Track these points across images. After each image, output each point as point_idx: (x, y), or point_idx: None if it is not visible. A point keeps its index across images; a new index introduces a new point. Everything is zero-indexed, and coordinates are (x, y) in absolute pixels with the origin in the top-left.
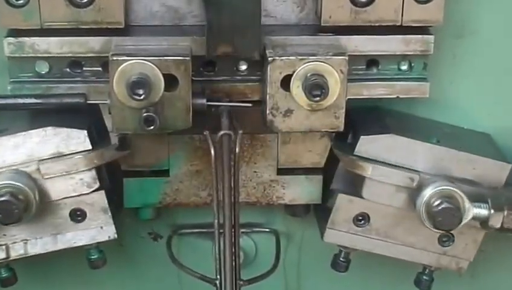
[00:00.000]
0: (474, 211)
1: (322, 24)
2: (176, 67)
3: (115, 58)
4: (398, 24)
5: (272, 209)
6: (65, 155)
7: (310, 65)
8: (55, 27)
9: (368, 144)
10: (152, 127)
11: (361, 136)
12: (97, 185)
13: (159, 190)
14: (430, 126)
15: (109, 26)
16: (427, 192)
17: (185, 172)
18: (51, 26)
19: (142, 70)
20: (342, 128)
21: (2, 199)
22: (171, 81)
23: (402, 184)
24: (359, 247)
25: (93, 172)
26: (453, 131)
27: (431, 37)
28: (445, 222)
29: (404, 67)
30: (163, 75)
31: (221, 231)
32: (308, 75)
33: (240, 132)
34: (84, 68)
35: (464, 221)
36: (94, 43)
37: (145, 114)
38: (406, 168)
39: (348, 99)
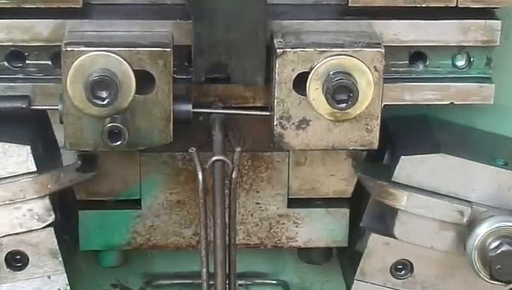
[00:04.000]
0: None
1: (350, 4)
2: (151, 61)
3: (69, 48)
4: (453, 5)
5: (280, 254)
6: (4, 178)
7: (333, 60)
8: None
9: (410, 167)
10: (119, 143)
11: (402, 157)
12: (52, 219)
13: (128, 227)
14: (495, 143)
15: (62, 6)
16: (481, 230)
17: (163, 203)
18: None
19: (106, 65)
20: (376, 146)
21: None
22: (145, 81)
23: (447, 219)
24: None
25: (47, 201)
26: None
27: (497, 23)
28: (505, 270)
29: (460, 62)
30: (135, 72)
31: (211, 282)
32: (331, 73)
33: (238, 149)
34: (28, 61)
35: None
36: (41, 28)
37: (109, 125)
38: (457, 199)
39: (385, 106)
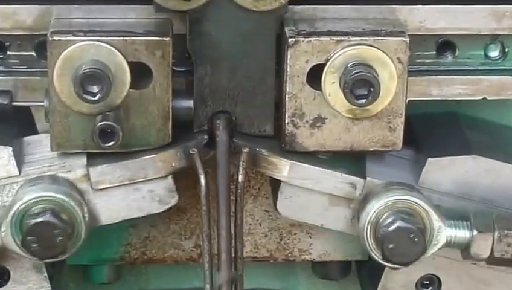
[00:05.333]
0: (448, 232)
1: None
2: (148, 52)
3: (55, 37)
4: None
5: (292, 268)
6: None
7: (351, 50)
8: None
9: (438, 171)
10: (111, 143)
11: (429, 159)
12: (175, 201)
13: (120, 239)
14: None
15: None
16: (375, 204)
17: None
18: None
19: (97, 56)
20: (399, 146)
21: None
22: (141, 74)
23: (338, 193)
24: None
25: (170, 181)
26: None
27: None
28: (399, 250)
29: (493, 53)
30: (130, 64)
31: None
32: (349, 65)
33: (245, 150)
34: (9, 52)
35: (432, 248)
36: (24, 15)
37: (101, 123)
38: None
39: (409, 101)
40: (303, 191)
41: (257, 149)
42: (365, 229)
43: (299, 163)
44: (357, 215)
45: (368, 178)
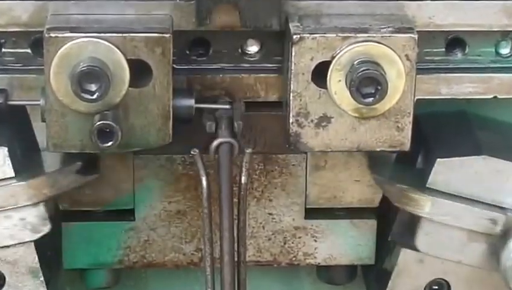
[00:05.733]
0: None
1: None
2: (148, 49)
3: (52, 34)
4: None
5: (296, 272)
6: None
7: (358, 47)
8: None
9: (448, 172)
10: (110, 143)
11: (438, 159)
12: (47, 229)
13: (119, 242)
14: None
15: None
16: None
17: (160, 214)
18: None
19: (96, 53)
20: (407, 147)
21: None
22: (140, 72)
23: (478, 229)
24: None
25: (42, 208)
26: None
27: None
28: None
29: (505, 50)
30: (129, 61)
31: None
32: (356, 62)
33: (248, 150)
34: (4, 49)
35: None
36: (20, 11)
37: (99, 123)
38: (490, 205)
39: (418, 100)
40: (443, 227)
41: (398, 185)
42: (508, 270)
43: (441, 199)
44: (496, 251)
45: (508, 214)
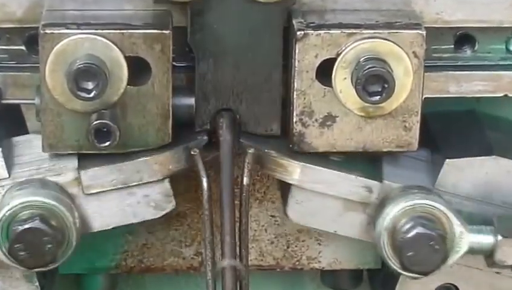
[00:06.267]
0: (470, 238)
1: None
2: (146, 46)
3: (48, 30)
4: None
5: (300, 277)
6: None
7: (364, 44)
8: None
9: (457, 172)
10: (107, 143)
11: (447, 160)
12: (172, 206)
13: (116, 246)
14: None
15: None
16: (392, 209)
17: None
18: None
19: (93, 50)
20: (415, 147)
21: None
22: (139, 69)
23: (353, 197)
24: None
25: (167, 185)
26: None
27: None
28: (419, 258)
29: None
30: (127, 58)
31: None
32: (362, 60)
33: (251, 151)
34: None
35: (454, 256)
36: (14, 6)
37: (96, 122)
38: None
39: (426, 99)
40: (315, 196)
41: (265, 150)
42: (382, 236)
43: (311, 165)
44: (372, 222)
45: (384, 181)
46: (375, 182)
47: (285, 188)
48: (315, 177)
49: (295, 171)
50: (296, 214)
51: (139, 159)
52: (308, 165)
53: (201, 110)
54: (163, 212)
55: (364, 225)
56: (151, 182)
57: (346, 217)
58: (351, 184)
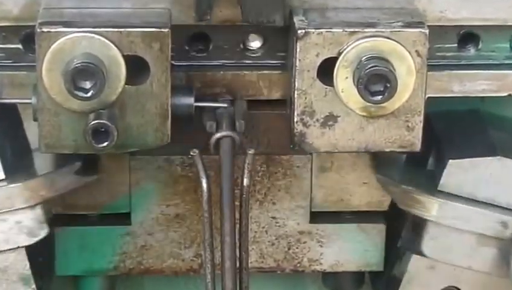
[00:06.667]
0: None
1: None
2: (145, 44)
3: (45, 29)
4: None
5: (301, 279)
6: None
7: (366, 43)
8: None
9: (460, 173)
10: (105, 144)
11: (450, 160)
12: (44, 233)
13: (114, 248)
14: None
15: None
16: None
17: (157, 218)
18: None
19: (90, 49)
20: (418, 147)
21: None
22: (137, 68)
23: (488, 232)
24: None
25: (39, 211)
26: None
27: None
28: None
29: None
30: (125, 57)
31: None
32: (364, 59)
33: (251, 151)
34: None
35: None
36: (10, 4)
37: (94, 122)
38: (500, 207)
39: (429, 98)
40: (451, 231)
41: (403, 187)
42: None
43: (450, 201)
44: (506, 256)
45: None
46: (511, 217)
47: (419, 224)
48: (452, 214)
49: (433, 208)
50: (432, 249)
51: (11, 185)
52: (445, 201)
53: (201, 2)
54: (36, 239)
55: (497, 259)
56: (23, 208)
57: (481, 252)
58: (487, 219)
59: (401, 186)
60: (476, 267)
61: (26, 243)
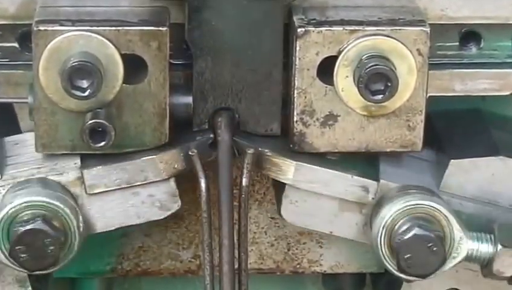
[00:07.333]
0: (470, 245)
1: None
2: (143, 43)
3: (41, 27)
4: None
5: (301, 281)
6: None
7: (366, 41)
8: None
9: (462, 173)
10: (103, 143)
11: (452, 160)
12: (177, 206)
13: (111, 249)
14: None
15: None
16: (390, 209)
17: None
18: None
19: (87, 48)
20: (419, 147)
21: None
22: (135, 67)
23: (349, 197)
24: None
25: (173, 184)
26: None
27: None
28: (416, 261)
29: None
30: (123, 56)
31: None
32: (364, 57)
33: (250, 151)
34: None
35: (451, 261)
36: (7, 3)
37: (91, 121)
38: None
39: (430, 97)
40: (310, 196)
41: (260, 149)
42: (379, 237)
43: (306, 164)
44: (369, 222)
45: (381, 180)
46: (372, 181)
47: (279, 188)
48: (310, 177)
49: (289, 170)
50: (291, 214)
51: (144, 158)
52: (303, 164)
53: (199, 109)
54: (169, 213)
55: (360, 225)
56: (156, 181)
57: (342, 217)
58: (347, 183)
59: (259, 149)
60: (337, 233)
61: (157, 217)
